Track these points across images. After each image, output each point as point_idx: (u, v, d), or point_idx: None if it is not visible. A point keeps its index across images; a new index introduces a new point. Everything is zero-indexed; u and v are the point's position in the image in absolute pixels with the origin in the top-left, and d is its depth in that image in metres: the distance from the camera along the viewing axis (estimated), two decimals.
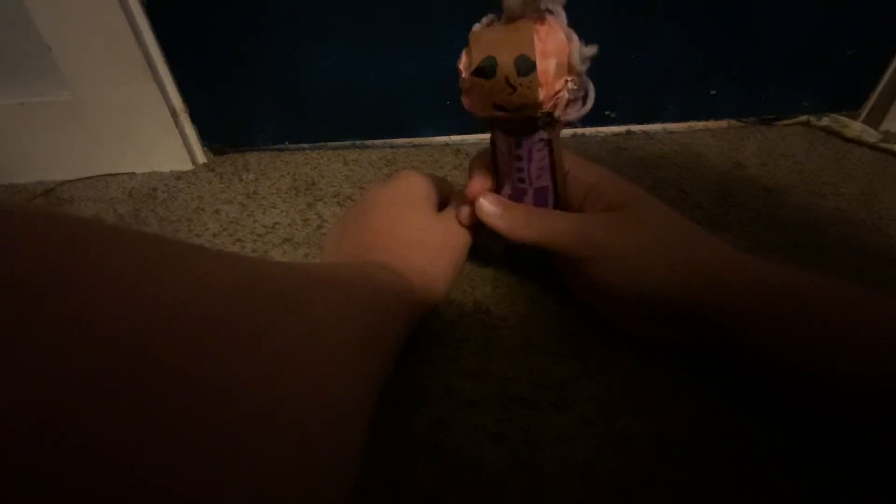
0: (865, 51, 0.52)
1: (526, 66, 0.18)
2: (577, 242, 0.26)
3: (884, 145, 0.50)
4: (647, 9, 0.48)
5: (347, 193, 0.47)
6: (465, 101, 0.22)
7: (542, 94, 0.19)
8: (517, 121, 0.21)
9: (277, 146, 0.56)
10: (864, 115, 0.55)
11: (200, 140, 0.54)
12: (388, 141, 0.56)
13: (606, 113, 0.55)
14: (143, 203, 0.48)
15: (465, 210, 0.30)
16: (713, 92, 0.54)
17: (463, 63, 0.20)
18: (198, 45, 0.48)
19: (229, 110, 0.53)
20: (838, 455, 0.23)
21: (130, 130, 0.49)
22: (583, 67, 0.19)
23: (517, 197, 0.28)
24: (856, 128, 0.53)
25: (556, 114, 0.21)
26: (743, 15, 0.49)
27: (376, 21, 0.48)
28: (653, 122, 0.56)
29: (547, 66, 0.18)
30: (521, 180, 0.27)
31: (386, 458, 0.24)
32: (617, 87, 0.53)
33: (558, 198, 0.29)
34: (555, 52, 0.18)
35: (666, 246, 0.26)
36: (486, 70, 0.18)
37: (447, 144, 0.55)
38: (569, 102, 0.20)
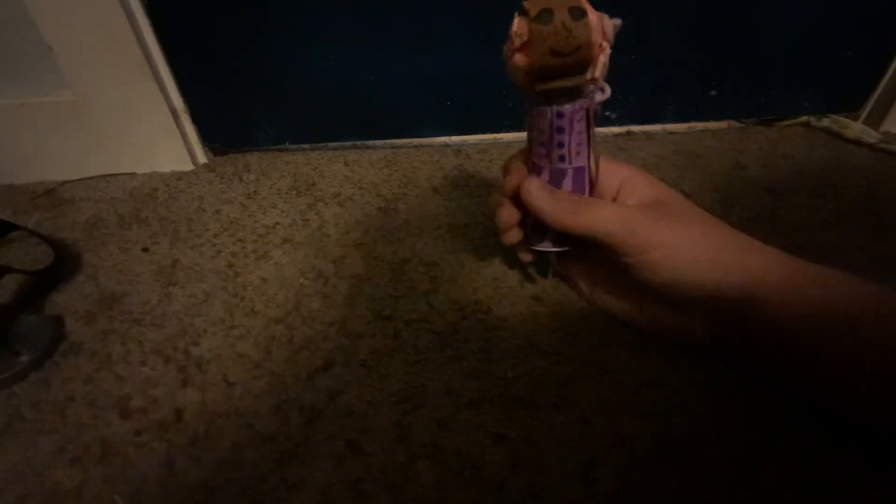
0: (865, 51, 0.52)
1: (579, 12, 0.23)
2: (623, 232, 0.26)
3: (884, 146, 0.50)
4: (647, 9, 0.48)
5: (348, 194, 0.47)
6: (518, 58, 0.24)
7: (593, 36, 0.23)
8: (566, 76, 0.24)
9: (278, 146, 0.56)
10: (864, 115, 0.55)
11: (201, 140, 0.54)
12: (389, 141, 0.56)
13: (606, 113, 0.55)
14: (143, 203, 0.48)
15: (507, 207, 0.30)
16: (713, 92, 0.54)
17: (516, 24, 0.24)
18: (199, 45, 0.48)
19: (230, 110, 0.53)
20: (838, 455, 0.24)
21: (131, 130, 0.49)
22: (612, 36, 0.24)
23: (556, 182, 0.28)
24: (856, 129, 0.53)
25: (597, 74, 0.25)
26: (743, 15, 0.49)
27: (376, 21, 0.48)
28: (653, 123, 0.56)
29: (592, 16, 0.23)
30: (562, 158, 0.27)
31: (386, 458, 0.25)
32: (617, 87, 0.53)
33: (594, 185, 0.29)
34: (595, 12, 0.23)
35: (710, 238, 0.26)
36: (544, 17, 0.22)
37: (447, 145, 0.55)
38: (605, 67, 0.25)
